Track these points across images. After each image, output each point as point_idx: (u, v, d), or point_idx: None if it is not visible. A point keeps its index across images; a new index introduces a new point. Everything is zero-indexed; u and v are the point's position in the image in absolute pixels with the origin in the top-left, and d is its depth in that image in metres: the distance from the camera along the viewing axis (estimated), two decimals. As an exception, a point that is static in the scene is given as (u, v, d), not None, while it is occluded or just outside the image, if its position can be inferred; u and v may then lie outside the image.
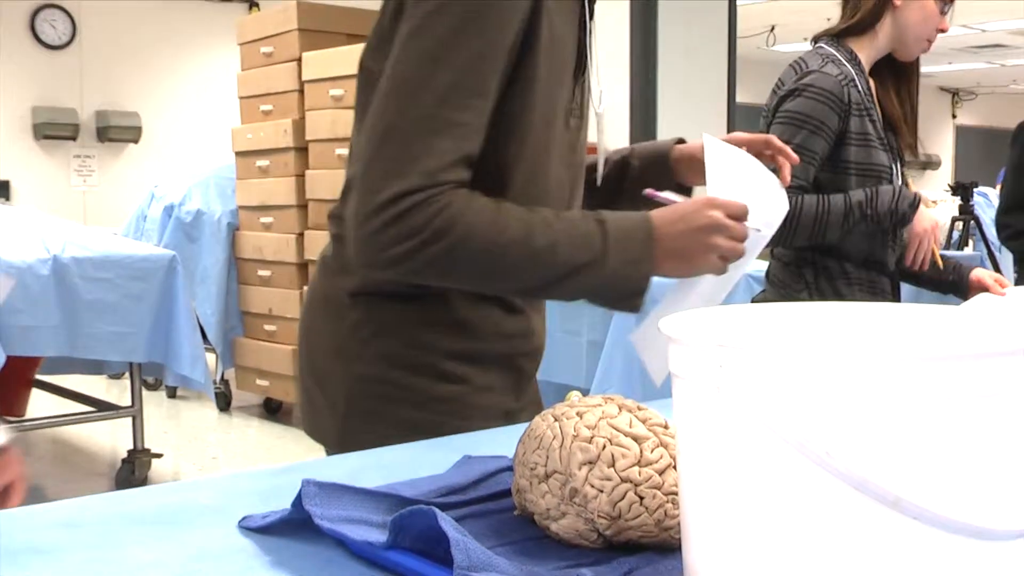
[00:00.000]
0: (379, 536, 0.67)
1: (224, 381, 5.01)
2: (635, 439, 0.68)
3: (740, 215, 1.11)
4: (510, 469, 0.82)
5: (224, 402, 5.01)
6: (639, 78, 5.77)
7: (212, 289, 4.73)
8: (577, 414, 0.70)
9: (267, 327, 4.63)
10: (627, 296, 1.08)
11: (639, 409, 0.71)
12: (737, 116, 6.65)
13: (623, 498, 0.66)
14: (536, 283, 1.06)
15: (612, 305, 1.12)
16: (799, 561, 0.51)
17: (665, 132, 6.69)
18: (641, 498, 0.66)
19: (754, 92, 7.08)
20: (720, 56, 5.86)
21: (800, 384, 0.50)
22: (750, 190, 1.19)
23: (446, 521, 0.63)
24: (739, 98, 7.23)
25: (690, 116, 6.16)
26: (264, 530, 0.74)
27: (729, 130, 7.07)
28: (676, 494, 0.66)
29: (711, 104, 6.25)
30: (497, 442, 0.99)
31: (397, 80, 1.00)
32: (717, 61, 6.02)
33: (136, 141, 8.01)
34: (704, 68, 5.86)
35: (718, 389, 0.52)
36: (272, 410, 4.96)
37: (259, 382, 4.72)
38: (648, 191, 1.17)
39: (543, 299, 1.25)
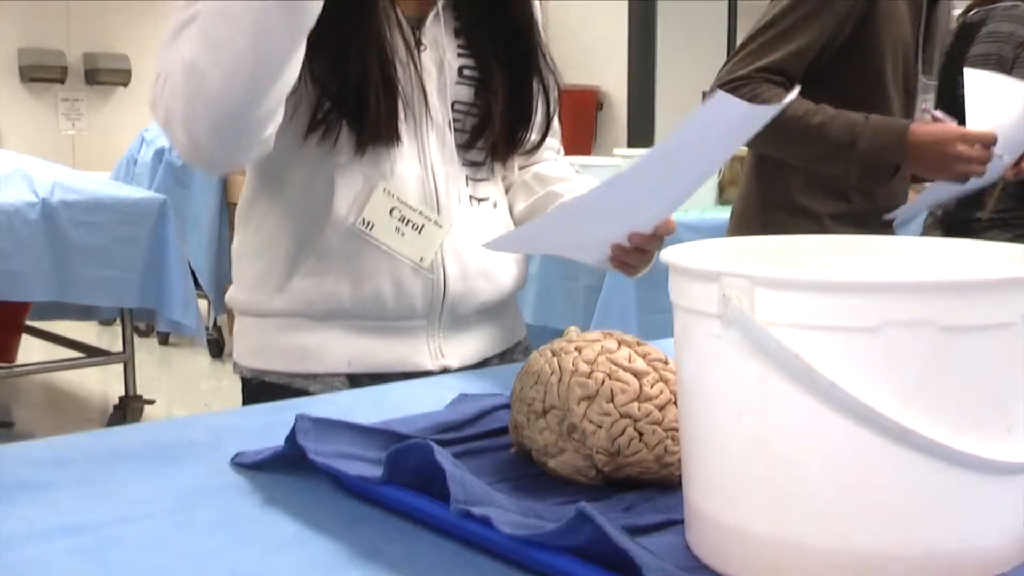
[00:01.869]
0: (374, 471, 0.67)
1: (216, 328, 5.01)
2: (634, 374, 0.68)
3: (988, 143, 1.54)
4: (507, 407, 0.82)
5: (216, 349, 5.01)
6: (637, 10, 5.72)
7: (204, 235, 4.70)
8: (576, 349, 0.70)
9: (260, 273, 4.59)
10: (874, 176, 1.65)
11: (638, 344, 0.71)
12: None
13: (622, 434, 0.66)
14: (810, 154, 1.69)
15: (862, 182, 1.68)
16: (803, 496, 0.50)
17: (664, 71, 6.62)
18: (640, 434, 0.66)
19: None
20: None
21: (806, 313, 0.49)
22: (1005, 117, 1.64)
23: (443, 455, 0.62)
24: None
25: (690, 51, 6.10)
26: (257, 467, 0.73)
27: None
28: (676, 430, 0.66)
29: (711, 39, 6.20)
30: (497, 381, 0.98)
31: None
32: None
33: (125, 84, 7.94)
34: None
35: (721, 319, 0.52)
36: (265, 357, 4.94)
37: (252, 329, 4.69)
38: (924, 106, 1.71)
39: (819, 170, 1.74)
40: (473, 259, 1.17)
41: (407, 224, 1.12)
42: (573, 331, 0.74)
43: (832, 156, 1.70)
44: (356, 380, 1.13)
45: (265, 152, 1.01)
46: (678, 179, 0.85)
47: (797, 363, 0.49)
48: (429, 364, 1.15)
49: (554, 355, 0.71)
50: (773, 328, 0.50)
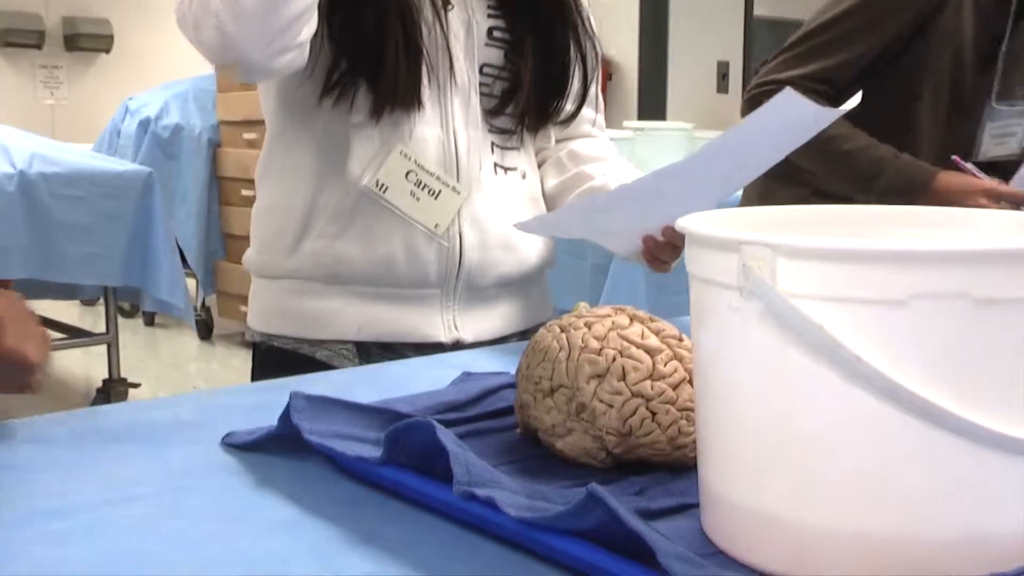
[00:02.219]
0: (372, 452, 0.67)
1: (205, 308, 5.00)
2: (647, 351, 0.68)
3: (1016, 200, 1.56)
4: (512, 386, 0.82)
5: (205, 330, 5.01)
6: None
7: (192, 209, 4.69)
8: (585, 325, 0.70)
9: (251, 251, 4.58)
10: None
11: (651, 321, 0.71)
12: (756, 31, 6.57)
13: (634, 414, 0.66)
14: (831, 174, 1.73)
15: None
16: (827, 477, 0.50)
17: (677, 41, 6.58)
18: (653, 414, 0.66)
19: (773, 4, 6.98)
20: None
21: (831, 285, 0.49)
22: None
23: (445, 435, 0.62)
24: (757, 11, 7.15)
25: (704, 19, 6.08)
26: (249, 447, 0.73)
27: (745, 44, 7.00)
28: (691, 410, 0.66)
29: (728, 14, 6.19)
30: (507, 360, 0.99)
31: None
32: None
33: (108, 51, 7.90)
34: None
35: (741, 291, 0.51)
36: (256, 340, 4.94)
37: (243, 309, 4.68)
38: (954, 157, 1.68)
39: (837, 189, 1.77)
40: (494, 229, 1.16)
41: (423, 189, 1.12)
42: (583, 306, 0.74)
43: (852, 183, 1.72)
44: (365, 349, 1.14)
45: (299, 64, 1.01)
46: (727, 174, 0.85)
47: (821, 336, 0.49)
48: (442, 336, 1.15)
49: (562, 331, 0.70)
50: (796, 300, 0.49)
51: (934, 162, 1.74)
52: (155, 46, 8.03)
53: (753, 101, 1.77)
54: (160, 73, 6.93)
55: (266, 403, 0.82)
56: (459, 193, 1.13)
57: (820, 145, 1.62)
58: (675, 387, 0.67)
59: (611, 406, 0.66)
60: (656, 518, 0.59)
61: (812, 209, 0.65)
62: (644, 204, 0.91)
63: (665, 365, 0.67)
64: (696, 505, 0.59)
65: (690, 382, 0.67)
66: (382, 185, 1.11)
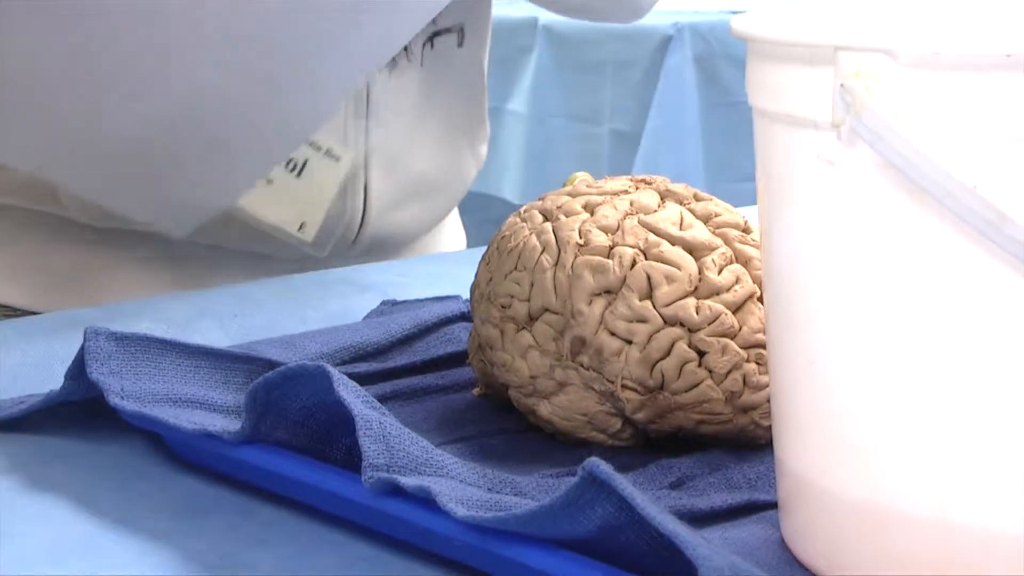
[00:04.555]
0: (228, 424, 0.64)
1: None
2: (689, 248, 0.65)
3: None
4: (465, 317, 0.82)
5: None
6: None
7: None
8: (584, 207, 0.67)
9: None
10: None
11: (696, 199, 0.68)
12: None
13: (668, 354, 0.63)
14: None
15: None
16: (1008, 455, 0.48)
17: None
18: (700, 354, 0.64)
19: None
20: None
21: (995, 115, 0.46)
22: None
23: (349, 389, 0.59)
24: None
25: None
26: (18, 424, 0.71)
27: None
28: (763, 347, 0.64)
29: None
30: (442, 275, 0.97)
31: None
32: None
33: None
34: None
35: (838, 131, 0.49)
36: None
37: None
38: None
39: None
40: (413, 165, 1.14)
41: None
42: (580, 178, 0.72)
43: None
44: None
45: None
46: None
47: (980, 206, 0.46)
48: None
49: (546, 219, 0.68)
50: (934, 141, 0.46)
51: None
52: None
53: None
54: None
55: (47, 352, 0.80)
56: (339, 159, 1.08)
57: None
58: (738, 308, 0.64)
59: (629, 342, 0.64)
60: (707, 523, 0.58)
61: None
62: None
63: (720, 272, 0.65)
64: (772, 504, 0.58)
65: (761, 300, 0.65)
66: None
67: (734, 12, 3.12)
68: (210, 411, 0.67)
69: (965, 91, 0.46)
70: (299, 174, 1.07)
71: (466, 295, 0.76)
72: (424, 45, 1.13)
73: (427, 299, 0.87)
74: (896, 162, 0.47)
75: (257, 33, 0.91)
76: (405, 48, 1.11)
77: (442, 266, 1.07)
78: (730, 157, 2.87)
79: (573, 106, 3.10)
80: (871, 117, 0.47)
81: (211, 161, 0.99)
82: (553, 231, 0.67)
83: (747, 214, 0.72)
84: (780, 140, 0.53)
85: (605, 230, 0.65)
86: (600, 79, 3.06)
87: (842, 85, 0.48)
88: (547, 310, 0.66)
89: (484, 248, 0.75)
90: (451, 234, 1.30)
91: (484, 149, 1.25)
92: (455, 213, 1.31)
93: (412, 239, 1.21)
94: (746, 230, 0.67)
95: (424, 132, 1.14)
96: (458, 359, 0.77)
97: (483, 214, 2.66)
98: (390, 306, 0.87)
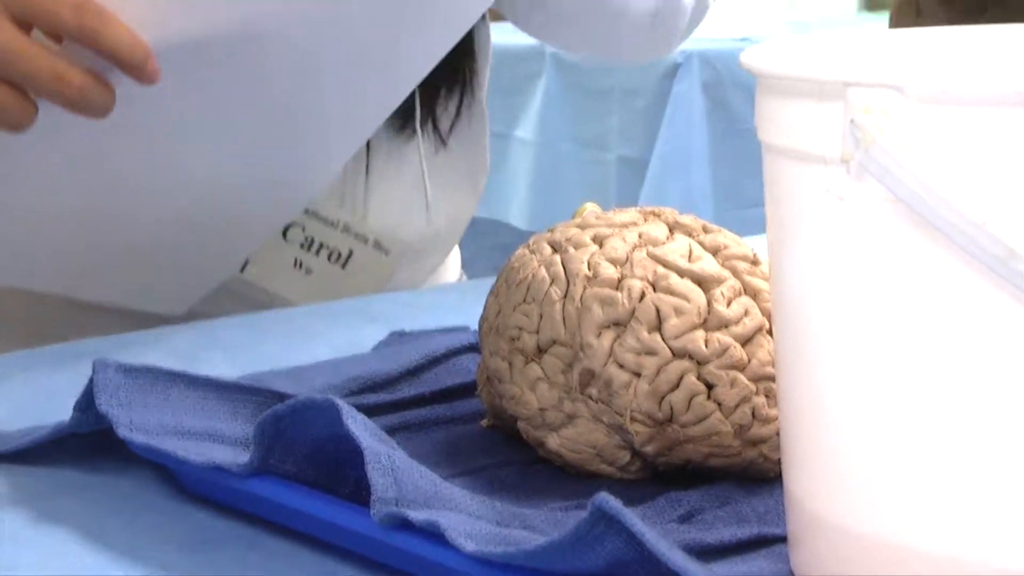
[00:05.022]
0: (236, 456, 0.64)
1: None
2: (698, 281, 0.65)
3: None
4: (473, 349, 0.81)
5: None
6: None
7: None
8: (593, 239, 0.67)
9: None
10: None
11: (705, 231, 0.68)
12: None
13: (677, 387, 0.63)
14: None
15: None
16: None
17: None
18: (710, 386, 0.64)
19: None
20: None
21: (1002, 149, 0.46)
22: None
23: (359, 423, 0.59)
24: None
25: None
26: (26, 456, 0.71)
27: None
28: (772, 380, 0.64)
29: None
30: (450, 307, 0.97)
31: None
32: None
33: None
34: None
35: (847, 166, 0.49)
36: None
37: None
38: None
39: None
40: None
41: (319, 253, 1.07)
42: (589, 208, 0.73)
43: None
44: None
45: None
46: None
47: (988, 241, 0.45)
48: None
49: (555, 250, 0.68)
50: (943, 176, 0.46)
51: None
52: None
53: None
54: None
55: (53, 384, 0.80)
56: (389, 254, 1.08)
57: None
58: (746, 342, 0.64)
59: (638, 374, 0.64)
60: (716, 557, 0.58)
61: (947, 31, 0.62)
62: None
63: (729, 305, 0.65)
64: (781, 538, 0.58)
65: (770, 332, 0.64)
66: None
67: (743, 39, 3.13)
68: (218, 443, 0.67)
69: (974, 127, 0.46)
70: (343, 266, 1.07)
71: (474, 326, 0.76)
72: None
73: (435, 330, 0.88)
74: (905, 197, 0.46)
75: (268, 118, 0.91)
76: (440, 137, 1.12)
77: (451, 296, 1.07)
78: (738, 184, 2.87)
79: (581, 132, 3.10)
80: (880, 153, 0.47)
81: (216, 241, 0.99)
82: (562, 263, 0.67)
83: (755, 242, 0.72)
84: (789, 175, 0.53)
85: (614, 262, 0.66)
86: (608, 106, 3.07)
87: (852, 121, 0.48)
88: (556, 342, 0.66)
89: (492, 278, 0.75)
90: (451, 262, 1.30)
91: (484, 180, 1.25)
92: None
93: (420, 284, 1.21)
94: (755, 262, 0.67)
95: (434, 198, 1.14)
96: (467, 390, 0.77)
97: (490, 240, 2.65)
98: (398, 337, 0.87)
